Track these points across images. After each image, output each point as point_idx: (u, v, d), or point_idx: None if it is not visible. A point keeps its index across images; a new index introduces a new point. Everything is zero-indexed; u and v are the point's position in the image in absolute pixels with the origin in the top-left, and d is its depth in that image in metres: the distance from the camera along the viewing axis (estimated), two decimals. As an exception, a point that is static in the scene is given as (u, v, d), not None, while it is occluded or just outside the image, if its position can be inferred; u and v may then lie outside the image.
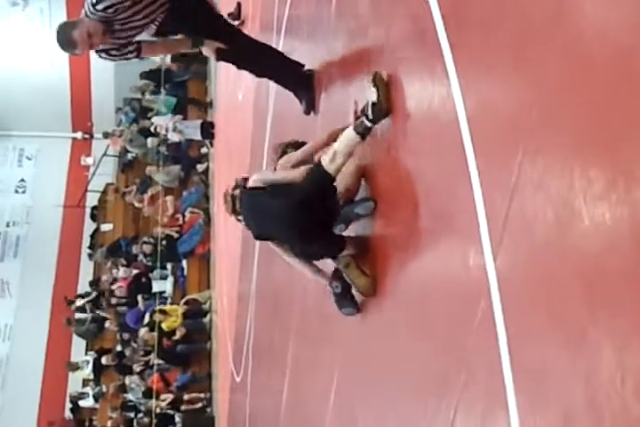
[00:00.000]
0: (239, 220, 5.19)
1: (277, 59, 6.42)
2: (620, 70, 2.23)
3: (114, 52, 5.80)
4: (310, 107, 6.27)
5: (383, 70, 4.32)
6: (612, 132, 2.27)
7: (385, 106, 4.27)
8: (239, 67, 6.45)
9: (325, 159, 4.48)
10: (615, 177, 2.23)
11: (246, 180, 5.11)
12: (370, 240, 4.64)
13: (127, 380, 18.36)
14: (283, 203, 4.69)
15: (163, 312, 17.96)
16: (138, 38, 5.84)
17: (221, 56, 6.19)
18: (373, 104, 4.29)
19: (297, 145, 5.34)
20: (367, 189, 4.70)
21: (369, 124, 4.34)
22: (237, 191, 5.09)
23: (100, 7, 5.47)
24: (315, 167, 4.62)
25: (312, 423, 5.96)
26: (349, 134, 4.42)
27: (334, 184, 4.57)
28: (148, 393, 17.64)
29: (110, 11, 5.48)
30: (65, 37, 5.53)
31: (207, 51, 6.17)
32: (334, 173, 4.49)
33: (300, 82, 6.31)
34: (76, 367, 20.33)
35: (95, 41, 5.54)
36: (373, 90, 4.28)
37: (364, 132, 4.38)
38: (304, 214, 4.65)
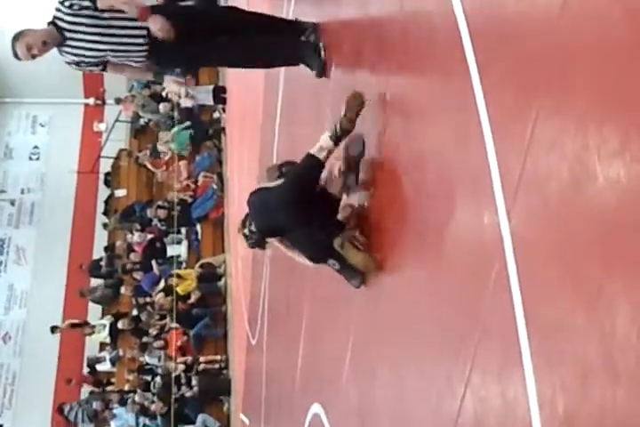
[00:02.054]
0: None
1: (275, 44, 6.29)
2: (638, 28, 2.23)
3: (79, 66, 5.95)
4: (322, 71, 6.20)
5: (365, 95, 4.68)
6: (626, 90, 2.27)
7: (345, 124, 4.71)
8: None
9: (313, 149, 4.83)
10: (630, 135, 2.23)
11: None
12: (380, 202, 4.66)
13: (145, 338, 18.60)
14: (282, 188, 4.94)
15: (178, 276, 18.07)
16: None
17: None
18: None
19: (290, 164, 5.46)
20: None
21: (335, 134, 4.74)
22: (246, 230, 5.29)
23: (64, 5, 5.60)
24: (306, 157, 4.92)
25: (329, 382, 6.01)
26: (325, 139, 4.78)
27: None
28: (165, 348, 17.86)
29: (71, 10, 5.57)
30: (11, 48, 5.75)
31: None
32: (323, 159, 4.83)
33: (304, 51, 6.21)
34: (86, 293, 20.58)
35: (35, 52, 5.70)
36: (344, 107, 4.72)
37: (335, 141, 4.76)
38: (302, 194, 4.89)
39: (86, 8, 5.59)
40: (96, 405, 19.28)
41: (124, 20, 5.68)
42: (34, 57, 5.75)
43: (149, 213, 20.81)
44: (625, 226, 2.24)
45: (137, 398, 17.74)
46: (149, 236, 20.38)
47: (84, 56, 5.80)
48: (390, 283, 4.54)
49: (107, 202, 23.99)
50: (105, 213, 23.65)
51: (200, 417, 16.48)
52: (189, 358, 17.55)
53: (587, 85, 2.47)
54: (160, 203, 20.73)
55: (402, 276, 4.34)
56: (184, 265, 19.41)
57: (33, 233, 23.88)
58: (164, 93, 20.57)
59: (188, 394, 16.89)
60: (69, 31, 5.65)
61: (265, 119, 10.51)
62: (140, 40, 5.72)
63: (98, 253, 22.59)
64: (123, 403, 18.40)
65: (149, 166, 21.94)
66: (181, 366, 17.33)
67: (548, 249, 2.67)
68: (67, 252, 23.14)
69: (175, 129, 20.94)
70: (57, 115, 25.92)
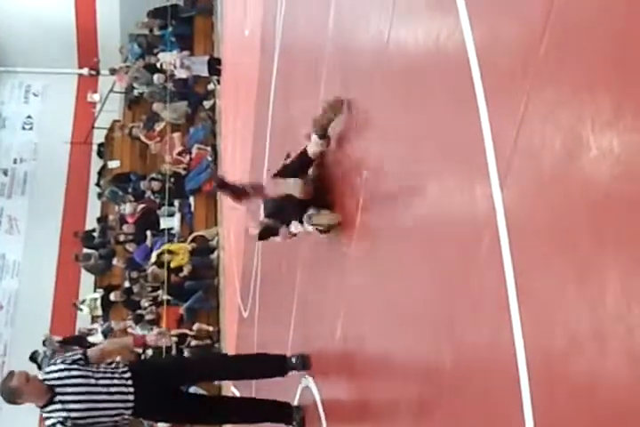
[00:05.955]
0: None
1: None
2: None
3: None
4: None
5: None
6: (622, 61, 2.25)
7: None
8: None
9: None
10: (623, 105, 2.22)
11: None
12: (371, 167, 4.65)
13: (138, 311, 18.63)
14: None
15: (170, 252, 18.03)
16: None
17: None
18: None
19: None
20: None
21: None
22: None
23: (47, 370, 5.80)
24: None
25: (320, 355, 6.03)
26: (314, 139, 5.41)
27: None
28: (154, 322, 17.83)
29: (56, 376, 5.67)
30: (6, 389, 5.69)
31: None
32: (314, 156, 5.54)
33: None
34: (80, 306, 20.50)
35: (25, 379, 5.65)
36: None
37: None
38: None
39: (77, 361, 5.81)
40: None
41: (112, 378, 5.87)
42: (27, 381, 5.65)
43: (142, 185, 20.77)
44: (617, 197, 2.23)
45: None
46: (141, 206, 20.34)
47: (72, 411, 5.73)
48: (380, 254, 4.54)
49: (100, 173, 23.92)
50: (98, 185, 23.59)
51: (192, 390, 16.49)
52: (181, 331, 17.54)
53: (583, 56, 2.46)
54: (154, 175, 20.67)
55: (392, 248, 4.33)
56: (177, 238, 19.38)
57: (25, 203, 23.82)
58: (158, 64, 20.51)
59: (180, 366, 16.89)
60: (59, 386, 5.69)
61: (260, 91, 10.46)
62: (130, 397, 5.87)
63: (91, 224, 22.57)
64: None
65: (143, 138, 21.86)
66: (174, 339, 17.33)
67: (540, 220, 2.66)
68: (59, 222, 23.10)
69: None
70: (50, 84, 25.80)
